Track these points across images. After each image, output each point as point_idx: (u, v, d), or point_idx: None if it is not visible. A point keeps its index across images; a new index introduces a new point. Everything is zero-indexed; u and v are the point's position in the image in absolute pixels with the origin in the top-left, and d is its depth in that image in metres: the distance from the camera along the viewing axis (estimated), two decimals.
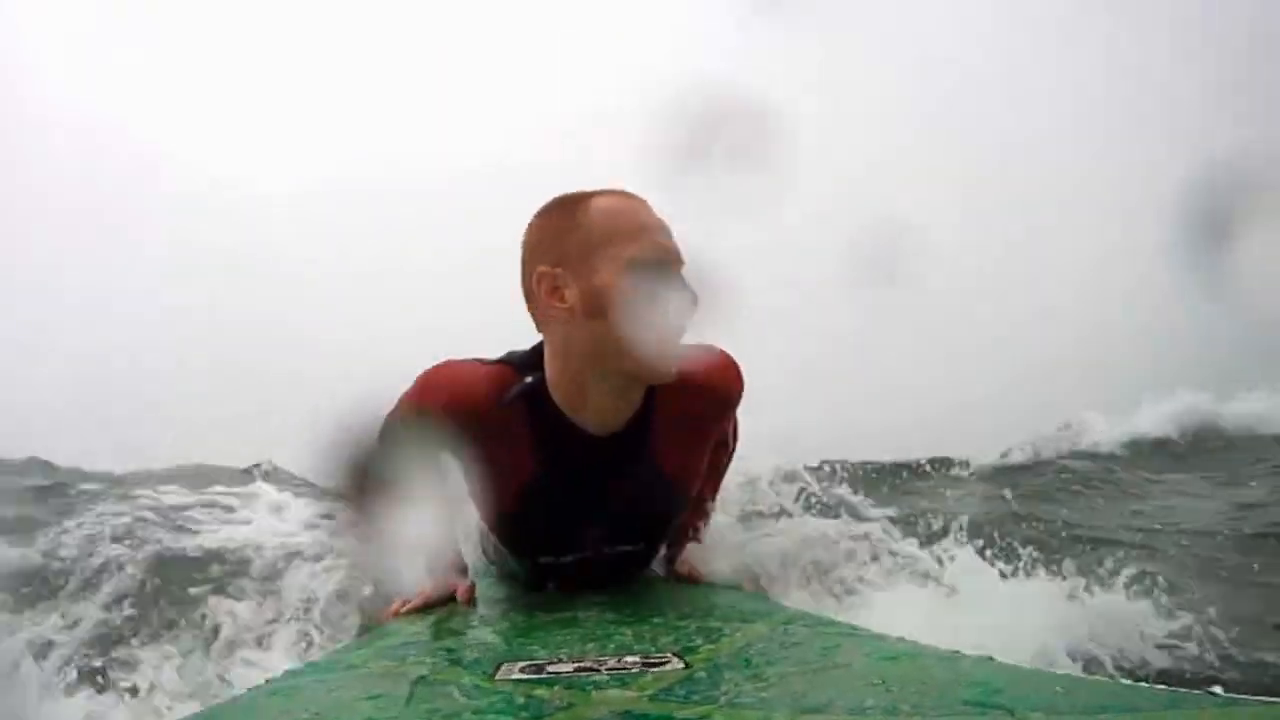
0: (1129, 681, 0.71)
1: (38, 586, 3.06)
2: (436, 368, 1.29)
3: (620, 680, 0.87)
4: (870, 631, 1.06)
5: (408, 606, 1.32)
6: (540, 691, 0.84)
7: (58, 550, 3.37)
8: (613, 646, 1.06)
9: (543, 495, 1.30)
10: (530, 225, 1.27)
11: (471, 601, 1.36)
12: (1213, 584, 2.59)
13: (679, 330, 1.22)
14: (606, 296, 1.16)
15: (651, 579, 1.92)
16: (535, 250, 1.25)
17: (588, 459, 1.28)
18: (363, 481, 1.25)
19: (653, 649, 1.02)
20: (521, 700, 0.82)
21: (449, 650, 1.13)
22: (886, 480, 4.55)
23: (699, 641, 1.05)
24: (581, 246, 1.18)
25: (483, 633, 1.28)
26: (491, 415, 1.24)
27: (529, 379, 1.25)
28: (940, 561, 2.46)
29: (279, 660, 2.58)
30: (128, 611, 2.89)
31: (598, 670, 0.92)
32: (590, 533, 1.36)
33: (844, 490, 3.49)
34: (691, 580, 1.51)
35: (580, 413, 1.25)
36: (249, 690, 1.01)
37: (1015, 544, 2.45)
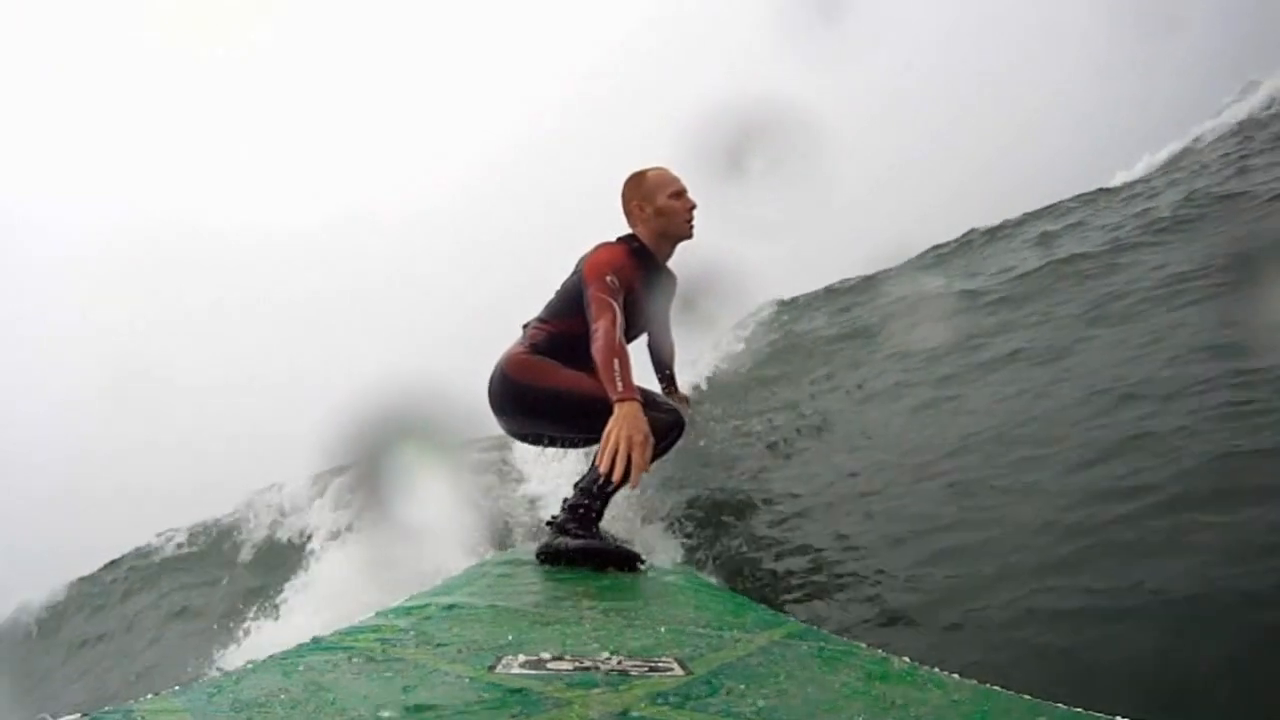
0: (1124, 718, 0.69)
1: None
2: (607, 247, 2.50)
3: (619, 682, 0.86)
4: (871, 651, 1.05)
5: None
6: (537, 687, 0.84)
7: None
8: (615, 646, 1.06)
9: (643, 282, 2.51)
10: (625, 182, 2.58)
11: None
12: None
13: (691, 219, 2.57)
14: (663, 208, 2.54)
15: (658, 581, 1.92)
16: (630, 192, 2.58)
17: (656, 273, 2.60)
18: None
19: (655, 652, 1.02)
20: (516, 695, 0.82)
21: (449, 639, 1.13)
22: None
23: (701, 648, 1.05)
24: (649, 189, 2.55)
25: (486, 623, 1.28)
26: (630, 258, 2.50)
27: (636, 245, 2.54)
28: None
29: None
30: None
31: (597, 670, 0.92)
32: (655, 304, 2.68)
33: None
34: (682, 399, 2.95)
35: (657, 255, 2.59)
36: (253, 663, 1.02)
37: None
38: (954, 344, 3.49)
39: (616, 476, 1.97)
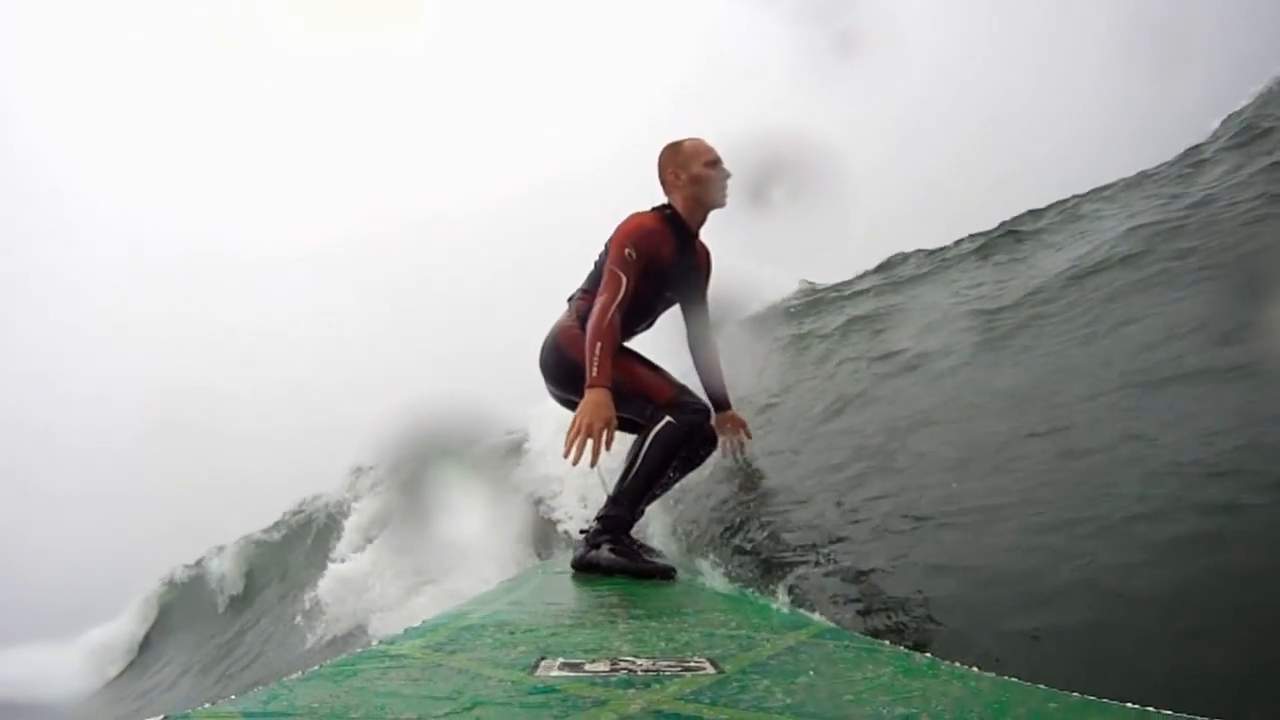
0: (1134, 705, 0.71)
1: None
2: (639, 215, 2.53)
3: (653, 681, 0.90)
4: (894, 648, 1.08)
5: None
6: (576, 688, 0.88)
7: None
8: (649, 649, 1.10)
9: (674, 250, 2.53)
10: (662, 152, 2.60)
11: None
12: None
13: (724, 187, 2.58)
14: (698, 175, 2.54)
15: (689, 587, 1.95)
16: (666, 160, 2.59)
17: (689, 241, 2.61)
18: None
19: (687, 653, 1.06)
20: (557, 695, 0.86)
21: (492, 645, 1.18)
22: None
23: (732, 649, 1.08)
24: (685, 157, 2.55)
25: (526, 630, 1.33)
26: (662, 225, 2.53)
27: (669, 213, 2.56)
28: None
29: None
30: None
31: (633, 670, 0.96)
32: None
33: None
34: (740, 425, 2.89)
35: (690, 223, 2.59)
36: (304, 673, 1.08)
37: None
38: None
39: (574, 461, 2.09)
